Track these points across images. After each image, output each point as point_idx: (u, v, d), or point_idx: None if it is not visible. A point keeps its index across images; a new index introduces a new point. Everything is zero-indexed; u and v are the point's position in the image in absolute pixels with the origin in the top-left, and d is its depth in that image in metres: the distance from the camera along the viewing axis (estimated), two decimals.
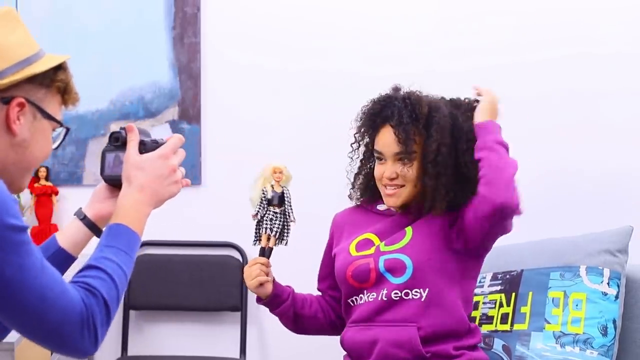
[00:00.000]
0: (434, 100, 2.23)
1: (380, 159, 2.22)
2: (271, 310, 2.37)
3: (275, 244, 2.31)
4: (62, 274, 1.56)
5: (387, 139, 2.18)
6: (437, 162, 2.13)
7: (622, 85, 3.22)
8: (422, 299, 2.12)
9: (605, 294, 2.42)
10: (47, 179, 3.26)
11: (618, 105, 3.23)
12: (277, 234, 2.30)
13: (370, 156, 2.29)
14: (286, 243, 2.35)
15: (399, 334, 2.12)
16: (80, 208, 1.67)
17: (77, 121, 3.23)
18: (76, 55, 3.24)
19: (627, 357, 2.44)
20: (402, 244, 2.17)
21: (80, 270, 1.44)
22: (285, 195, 2.31)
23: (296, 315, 2.37)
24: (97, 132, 3.27)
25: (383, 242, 2.20)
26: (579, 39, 3.22)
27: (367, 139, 2.27)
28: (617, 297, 2.42)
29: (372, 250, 2.20)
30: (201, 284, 3.31)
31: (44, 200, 3.24)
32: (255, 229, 2.32)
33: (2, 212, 1.31)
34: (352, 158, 2.36)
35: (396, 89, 2.28)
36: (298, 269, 3.39)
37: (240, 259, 3.33)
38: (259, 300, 2.35)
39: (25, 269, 1.33)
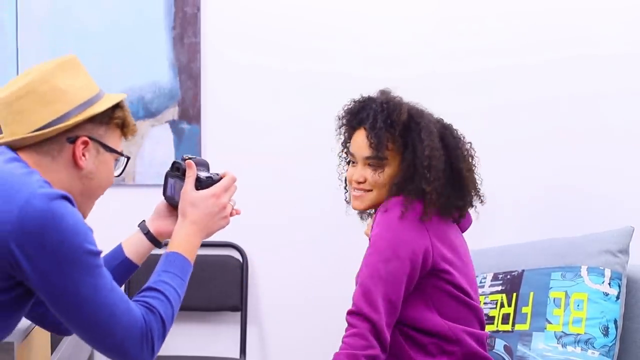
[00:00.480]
0: (416, 108, 2.21)
1: (353, 162, 2.22)
2: None
3: None
4: (126, 280, 1.90)
5: (359, 142, 2.18)
6: (430, 166, 2.11)
7: (622, 87, 3.22)
8: None
9: (606, 294, 2.42)
10: None
11: (618, 106, 3.23)
12: None
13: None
14: None
15: None
16: (144, 221, 1.90)
17: None
18: (76, 55, 3.26)
19: (628, 357, 2.44)
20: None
21: (140, 292, 1.67)
22: None
23: None
24: None
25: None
26: (578, 40, 3.22)
27: (345, 139, 2.27)
28: (618, 297, 2.42)
29: None
30: (201, 284, 3.31)
31: None
32: None
33: (81, 239, 1.53)
34: (340, 158, 2.37)
35: (382, 93, 2.25)
36: (301, 267, 3.39)
37: (240, 259, 3.33)
38: None
39: (99, 288, 1.55)
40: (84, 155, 1.65)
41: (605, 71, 3.22)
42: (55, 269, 1.52)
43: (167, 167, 1.88)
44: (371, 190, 2.17)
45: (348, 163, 2.31)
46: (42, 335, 2.44)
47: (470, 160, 2.22)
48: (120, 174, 1.77)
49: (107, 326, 1.56)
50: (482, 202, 2.25)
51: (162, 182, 1.88)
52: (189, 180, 1.81)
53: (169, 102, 3.28)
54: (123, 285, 1.91)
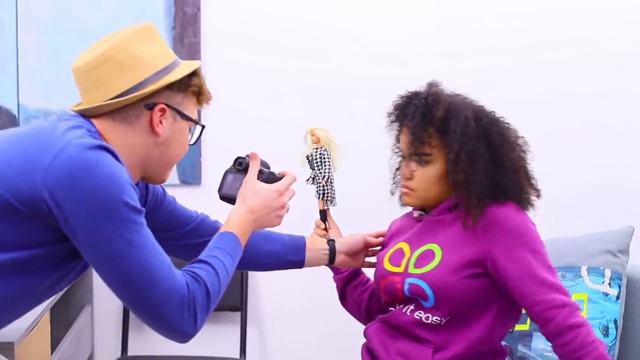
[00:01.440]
0: (455, 103, 2.11)
1: (403, 157, 2.16)
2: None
3: (324, 207, 2.31)
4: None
5: (404, 138, 2.12)
6: (465, 170, 2.03)
7: (622, 86, 3.22)
8: (442, 324, 2.05)
9: (606, 294, 2.42)
10: None
11: (619, 106, 3.23)
12: (321, 196, 2.30)
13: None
14: (333, 203, 2.32)
15: (415, 351, 2.07)
16: (333, 241, 2.10)
17: None
18: (76, 55, 3.25)
19: (629, 357, 2.44)
20: (428, 269, 2.06)
21: (191, 263, 1.63)
22: (315, 157, 2.30)
23: (343, 293, 2.36)
24: None
25: (413, 261, 2.11)
26: (578, 40, 3.23)
27: (396, 135, 2.20)
28: (618, 297, 2.42)
29: (401, 268, 2.12)
30: None
31: None
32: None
33: (119, 190, 1.49)
34: (393, 152, 2.27)
35: (428, 86, 2.18)
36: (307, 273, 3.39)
37: None
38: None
39: (134, 246, 1.50)
40: (161, 122, 1.66)
41: (605, 71, 3.23)
42: (87, 216, 1.48)
43: None
44: (413, 191, 2.11)
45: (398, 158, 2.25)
46: (42, 335, 2.45)
47: (517, 159, 2.12)
48: (196, 142, 1.77)
49: (143, 287, 1.51)
50: (538, 196, 2.12)
51: None
52: (253, 170, 1.85)
53: None
54: None
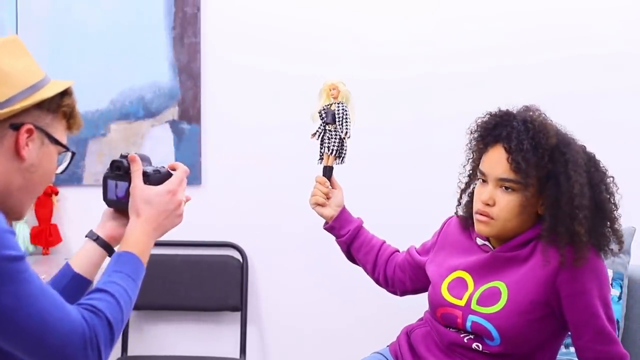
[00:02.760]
0: (562, 133, 2.02)
1: (484, 180, 2.01)
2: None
3: (333, 163, 2.29)
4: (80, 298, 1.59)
5: (495, 160, 1.97)
6: (581, 205, 1.92)
7: (623, 86, 3.22)
8: (503, 356, 2.01)
9: None
10: None
11: (618, 106, 3.22)
12: (333, 152, 2.26)
13: (475, 174, 2.08)
14: (342, 161, 2.29)
15: None
16: (92, 230, 1.71)
17: None
18: (76, 55, 3.26)
19: (630, 357, 2.44)
20: (494, 310, 1.99)
21: (88, 293, 1.48)
22: (337, 112, 2.25)
23: (349, 253, 2.36)
24: (97, 132, 3.27)
25: (476, 297, 2.02)
26: (578, 40, 3.22)
27: (475, 155, 2.07)
28: (620, 297, 2.42)
29: (462, 302, 2.04)
30: (201, 284, 3.30)
31: (44, 200, 3.23)
32: (320, 148, 2.32)
33: None
34: (464, 171, 2.15)
35: (526, 109, 2.04)
36: (301, 268, 3.39)
37: (240, 259, 3.33)
38: (325, 224, 2.31)
39: (23, 296, 1.35)
40: (27, 144, 1.47)
41: (606, 71, 3.22)
42: None
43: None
44: (494, 219, 1.97)
45: (469, 177, 2.11)
46: None
47: (611, 197, 2.04)
48: (64, 170, 1.60)
49: (39, 336, 1.36)
50: (620, 245, 2.05)
51: None
52: (136, 175, 1.64)
53: (169, 102, 3.28)
54: None
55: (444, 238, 2.22)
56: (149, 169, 1.67)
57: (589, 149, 3.20)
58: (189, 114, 3.28)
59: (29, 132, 1.48)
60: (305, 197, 3.34)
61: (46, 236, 3.23)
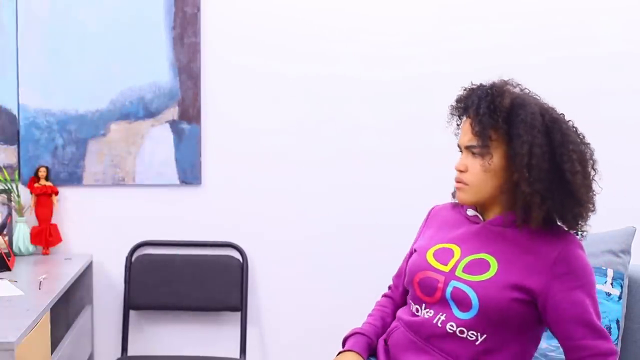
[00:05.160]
0: (521, 96, 2.05)
1: (460, 152, 2.08)
2: None
3: None
4: None
5: (464, 130, 2.05)
6: (531, 165, 1.93)
7: (623, 85, 3.22)
8: (476, 343, 1.98)
9: (608, 294, 2.42)
10: (47, 178, 3.25)
11: (619, 106, 3.23)
12: None
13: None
14: None
15: None
16: None
17: (77, 121, 3.23)
18: (76, 55, 3.26)
19: (629, 357, 2.44)
20: (480, 278, 1.98)
21: None
22: None
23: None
24: (97, 132, 3.27)
25: (462, 264, 2.03)
26: (578, 40, 3.23)
27: (455, 130, 2.13)
28: (620, 297, 2.42)
29: (447, 268, 2.04)
30: (201, 284, 3.31)
31: (44, 200, 3.24)
32: None
33: None
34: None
35: (497, 80, 2.12)
36: (301, 268, 3.39)
37: (240, 259, 3.33)
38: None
39: None
40: None
41: (605, 70, 3.23)
42: None
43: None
44: (468, 185, 2.03)
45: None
46: (42, 335, 2.44)
47: (577, 162, 1.99)
48: None
49: None
50: (592, 211, 2.03)
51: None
52: None
53: (169, 102, 3.28)
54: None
55: (431, 222, 2.23)
56: None
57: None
58: (189, 114, 3.28)
59: None
60: (305, 196, 3.35)
61: (46, 236, 3.23)
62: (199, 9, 3.26)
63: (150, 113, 3.27)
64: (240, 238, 3.34)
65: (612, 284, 2.43)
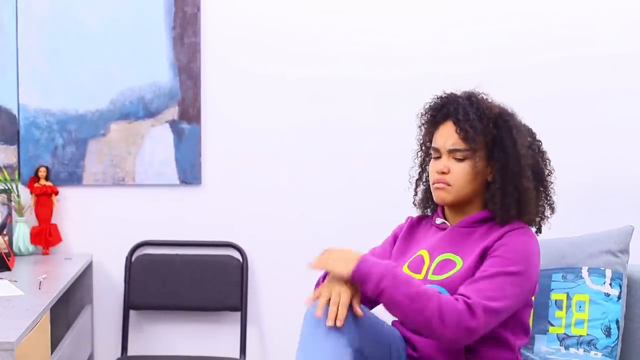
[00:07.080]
0: (505, 107, 2.23)
1: (437, 157, 2.21)
2: None
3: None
4: None
5: (445, 134, 2.17)
6: (523, 165, 2.15)
7: (622, 86, 3.22)
8: None
9: (607, 294, 2.42)
10: (47, 178, 3.25)
11: (618, 106, 3.23)
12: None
13: (428, 158, 2.28)
14: None
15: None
16: None
17: (77, 121, 3.23)
18: (76, 55, 3.26)
19: (630, 357, 2.44)
20: (447, 276, 2.13)
21: None
22: None
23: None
24: (97, 132, 3.27)
25: (432, 268, 2.17)
26: (578, 40, 3.23)
27: (426, 139, 2.26)
28: (619, 297, 2.42)
29: (422, 275, 2.17)
30: (201, 284, 3.31)
31: (44, 200, 3.23)
32: None
33: None
34: (414, 162, 2.36)
35: (468, 91, 2.25)
36: (301, 267, 3.39)
37: (240, 259, 3.33)
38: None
39: None
40: None
41: (605, 71, 3.23)
42: None
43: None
44: (450, 186, 2.17)
45: (421, 166, 2.34)
46: (42, 335, 2.44)
47: (547, 168, 2.29)
48: None
49: None
50: (552, 212, 2.32)
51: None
52: None
53: (169, 102, 3.28)
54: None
55: (404, 231, 2.35)
56: None
57: (589, 148, 3.24)
58: (189, 114, 3.28)
59: None
60: (305, 196, 3.35)
61: (46, 236, 3.23)
62: (199, 9, 3.25)
63: (150, 113, 3.27)
64: (240, 238, 3.34)
65: (611, 284, 2.43)
